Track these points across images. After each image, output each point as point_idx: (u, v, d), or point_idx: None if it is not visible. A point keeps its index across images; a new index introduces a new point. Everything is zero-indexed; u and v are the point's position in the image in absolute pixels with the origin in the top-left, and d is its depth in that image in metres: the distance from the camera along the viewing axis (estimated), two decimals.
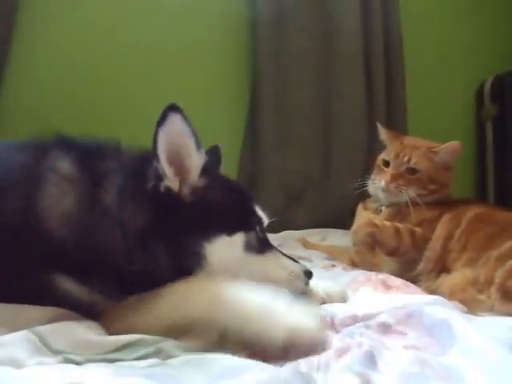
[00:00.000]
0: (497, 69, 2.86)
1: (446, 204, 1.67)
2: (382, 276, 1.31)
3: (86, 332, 0.88)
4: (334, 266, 1.57)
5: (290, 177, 2.46)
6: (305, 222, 2.37)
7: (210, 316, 0.87)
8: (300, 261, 1.20)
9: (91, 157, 1.02)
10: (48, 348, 0.82)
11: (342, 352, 0.80)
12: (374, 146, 2.35)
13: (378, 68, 2.61)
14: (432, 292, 1.35)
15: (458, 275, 1.39)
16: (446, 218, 1.60)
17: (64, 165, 0.99)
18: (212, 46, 2.52)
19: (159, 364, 0.81)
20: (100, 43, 2.32)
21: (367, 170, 1.99)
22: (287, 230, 2.23)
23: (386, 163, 1.76)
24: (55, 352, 0.82)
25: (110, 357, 0.83)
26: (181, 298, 0.91)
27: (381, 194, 1.74)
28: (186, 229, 0.96)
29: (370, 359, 0.76)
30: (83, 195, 0.96)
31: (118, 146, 1.07)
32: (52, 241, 0.93)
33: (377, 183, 1.75)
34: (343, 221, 2.12)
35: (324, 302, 1.14)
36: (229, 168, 2.33)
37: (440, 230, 1.57)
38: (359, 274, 1.35)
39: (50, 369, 0.74)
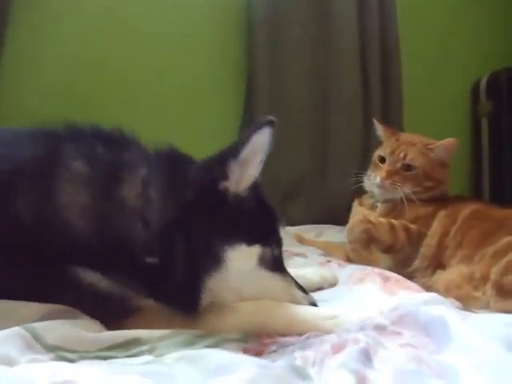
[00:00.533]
0: (492, 65, 2.87)
1: (441, 201, 1.67)
2: (378, 270, 1.30)
3: (79, 329, 0.87)
4: (329, 261, 1.57)
5: (285, 173, 2.45)
6: (300, 218, 2.36)
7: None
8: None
9: (106, 150, 1.02)
10: (41, 345, 0.81)
11: (338, 348, 0.80)
12: (370, 142, 2.35)
13: (374, 64, 2.60)
14: (427, 288, 1.34)
15: (454, 272, 1.39)
16: (442, 214, 1.59)
17: (77, 163, 0.98)
18: (206, 42, 2.50)
19: (153, 361, 0.80)
20: (96, 37, 2.30)
21: (363, 166, 1.99)
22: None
23: (382, 159, 1.75)
24: (48, 349, 0.81)
25: (103, 354, 0.83)
26: (262, 311, 1.00)
27: (376, 191, 1.73)
28: (214, 229, 0.97)
29: (366, 356, 0.76)
30: (98, 191, 0.96)
31: (135, 138, 1.07)
32: (69, 235, 0.93)
33: (372, 179, 1.75)
34: (339, 217, 2.11)
35: (321, 286, 1.28)
36: None
37: (436, 226, 1.57)
38: (355, 270, 1.35)
39: (43, 366, 0.73)
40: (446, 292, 1.32)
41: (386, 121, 2.23)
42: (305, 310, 1.03)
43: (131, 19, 2.36)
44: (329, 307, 1.08)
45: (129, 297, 0.95)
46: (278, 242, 1.09)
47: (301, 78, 2.51)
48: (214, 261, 0.96)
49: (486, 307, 1.23)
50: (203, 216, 0.96)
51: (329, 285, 1.32)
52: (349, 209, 1.89)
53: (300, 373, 0.73)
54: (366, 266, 1.39)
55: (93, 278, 0.93)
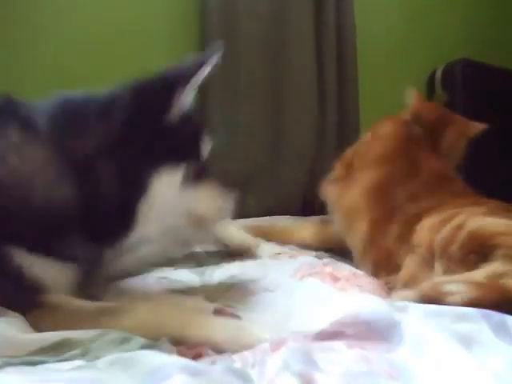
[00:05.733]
0: (449, 56, 2.90)
1: None
2: (328, 268, 1.26)
3: (6, 330, 0.82)
4: (279, 254, 1.52)
5: (238, 163, 2.40)
6: (255, 210, 2.31)
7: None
8: None
9: (18, 109, 1.00)
10: None
11: (277, 345, 0.75)
12: (324, 132, 2.32)
13: (330, 53, 2.58)
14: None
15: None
16: None
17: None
18: (160, 34, 2.42)
19: (84, 366, 0.75)
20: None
21: (317, 156, 1.96)
22: (236, 218, 2.17)
23: None
24: None
25: (32, 359, 0.77)
26: (153, 317, 0.91)
27: None
28: (143, 157, 0.96)
29: (308, 356, 0.71)
30: (15, 142, 0.95)
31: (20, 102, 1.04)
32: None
33: None
34: (294, 207, 2.08)
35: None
36: None
37: None
38: (304, 264, 1.30)
39: None
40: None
41: (341, 109, 2.20)
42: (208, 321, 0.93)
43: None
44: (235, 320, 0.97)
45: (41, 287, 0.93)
46: (200, 153, 1.10)
47: (254, 66, 2.45)
48: (140, 189, 0.95)
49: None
50: (132, 143, 0.95)
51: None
52: (303, 198, 1.85)
53: (240, 376, 0.69)
54: (315, 263, 1.34)
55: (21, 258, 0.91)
